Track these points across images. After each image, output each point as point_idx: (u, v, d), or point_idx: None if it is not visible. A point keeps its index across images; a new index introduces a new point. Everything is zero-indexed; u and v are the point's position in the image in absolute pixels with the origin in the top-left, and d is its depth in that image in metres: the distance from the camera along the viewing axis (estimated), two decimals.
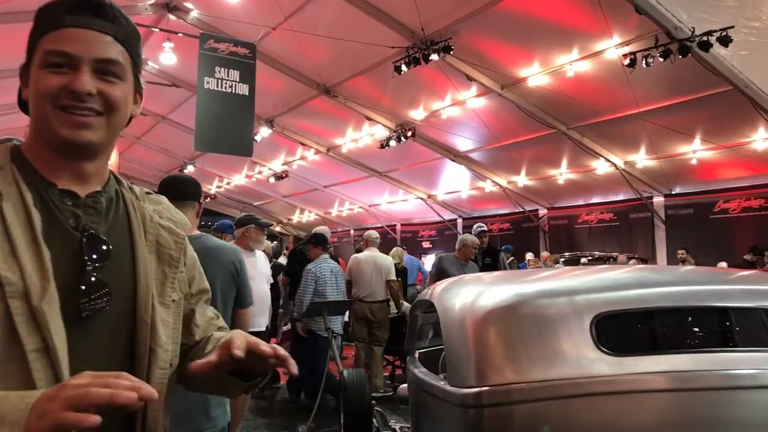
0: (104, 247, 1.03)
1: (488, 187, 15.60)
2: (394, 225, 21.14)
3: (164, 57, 11.57)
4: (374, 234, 6.80)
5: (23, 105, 1.08)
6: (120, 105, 1.05)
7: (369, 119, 13.30)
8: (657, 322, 2.33)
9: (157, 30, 11.28)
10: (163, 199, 1.24)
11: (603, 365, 1.71)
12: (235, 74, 8.48)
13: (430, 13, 9.22)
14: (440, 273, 5.71)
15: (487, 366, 1.75)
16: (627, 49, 8.61)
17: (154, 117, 16.62)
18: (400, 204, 19.08)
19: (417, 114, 12.71)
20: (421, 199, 18.02)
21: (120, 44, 1.05)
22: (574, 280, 2.40)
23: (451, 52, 9.46)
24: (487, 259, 6.13)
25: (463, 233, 18.13)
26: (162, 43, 11.30)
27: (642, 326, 2.23)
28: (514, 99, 10.98)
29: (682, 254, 10.69)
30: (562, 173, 13.89)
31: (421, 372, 2.30)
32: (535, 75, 10.21)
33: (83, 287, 0.98)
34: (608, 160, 12.45)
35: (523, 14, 8.90)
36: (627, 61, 8.43)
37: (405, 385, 3.37)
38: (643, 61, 8.28)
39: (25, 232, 0.95)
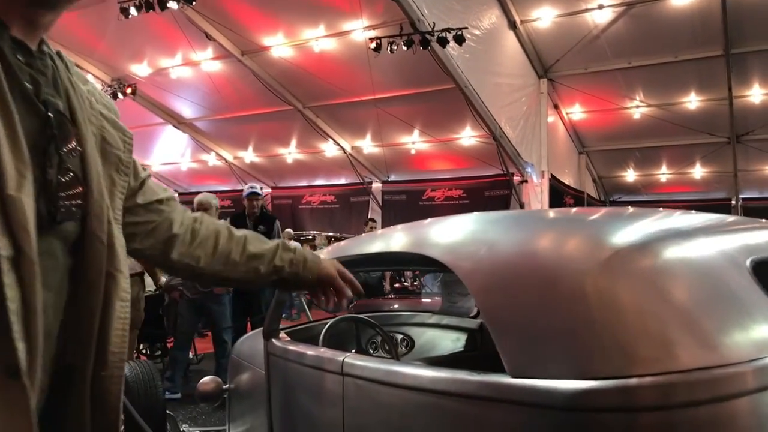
0: (70, 130, 0.83)
1: (212, 160, 14.72)
2: None
3: None
4: None
5: None
6: None
7: (78, 68, 11.22)
8: None
9: None
10: (89, 76, 0.72)
11: None
12: None
13: None
14: None
15: (630, 346, 1.01)
16: (373, 33, 8.88)
17: None
18: None
19: (140, 69, 11.20)
20: None
21: None
22: (669, 219, 1.51)
23: (193, 3, 8.49)
24: (261, 227, 5.51)
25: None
26: None
27: None
28: (253, 68, 10.46)
29: (373, 225, 11.04)
30: (291, 152, 13.86)
31: (380, 361, 1.61)
32: (279, 45, 9.87)
33: (61, 179, 0.79)
34: (337, 144, 12.83)
35: None
36: (373, 45, 8.67)
37: (208, 379, 2.68)
38: (388, 48, 8.62)
39: None
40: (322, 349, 1.87)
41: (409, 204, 13.58)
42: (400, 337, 2.57)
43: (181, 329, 5.00)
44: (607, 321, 1.05)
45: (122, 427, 0.91)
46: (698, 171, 13.42)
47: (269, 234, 5.40)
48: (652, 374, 0.96)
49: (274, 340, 2.05)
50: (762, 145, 11.89)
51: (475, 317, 2.65)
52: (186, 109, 12.68)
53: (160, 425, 2.73)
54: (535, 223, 1.56)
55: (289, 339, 2.10)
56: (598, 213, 1.60)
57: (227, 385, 2.70)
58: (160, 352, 5.75)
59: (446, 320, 2.67)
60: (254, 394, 2.36)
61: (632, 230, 1.31)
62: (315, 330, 2.37)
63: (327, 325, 2.20)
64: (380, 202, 14.00)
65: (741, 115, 11.42)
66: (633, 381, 0.96)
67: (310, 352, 1.83)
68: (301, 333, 2.32)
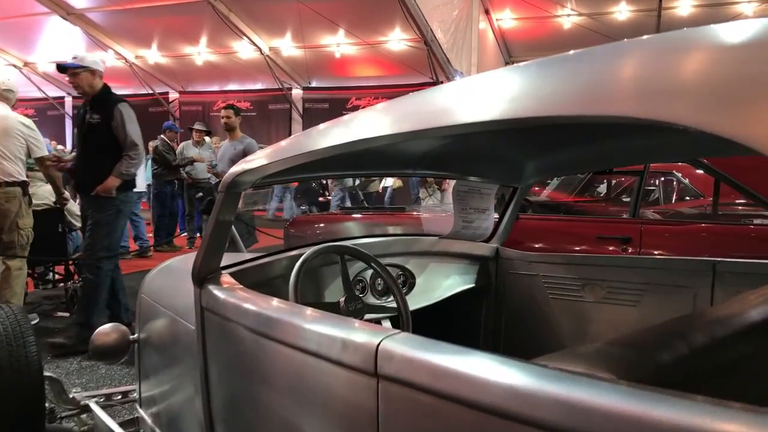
0: None
1: (110, 60, 13.10)
2: None
3: None
4: (7, 82, 4.30)
5: None
6: None
7: None
8: None
9: None
10: None
11: None
12: None
13: None
14: None
15: None
16: None
17: None
18: None
19: None
20: (15, 66, 14.15)
21: None
22: None
23: None
24: (95, 116, 3.69)
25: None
26: None
27: None
28: None
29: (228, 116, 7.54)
30: (201, 53, 12.58)
31: None
32: None
33: None
34: (254, 43, 11.72)
35: None
36: None
37: (108, 328, 1.97)
38: None
39: None
40: (316, 313, 1.05)
41: (332, 113, 12.83)
42: (396, 272, 1.87)
43: None
44: None
45: None
46: None
47: (108, 123, 3.69)
48: None
49: (211, 288, 1.30)
50: None
51: (487, 241, 2.04)
52: None
53: (34, 393, 1.95)
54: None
55: (237, 285, 1.34)
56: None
57: (135, 335, 2.05)
58: (53, 278, 4.83)
59: (456, 247, 2.01)
60: (176, 347, 1.69)
61: None
62: (273, 269, 1.60)
63: (300, 263, 1.44)
64: (301, 110, 13.18)
65: (666, 28, 11.35)
66: None
67: (290, 320, 1.03)
68: (251, 274, 1.52)
